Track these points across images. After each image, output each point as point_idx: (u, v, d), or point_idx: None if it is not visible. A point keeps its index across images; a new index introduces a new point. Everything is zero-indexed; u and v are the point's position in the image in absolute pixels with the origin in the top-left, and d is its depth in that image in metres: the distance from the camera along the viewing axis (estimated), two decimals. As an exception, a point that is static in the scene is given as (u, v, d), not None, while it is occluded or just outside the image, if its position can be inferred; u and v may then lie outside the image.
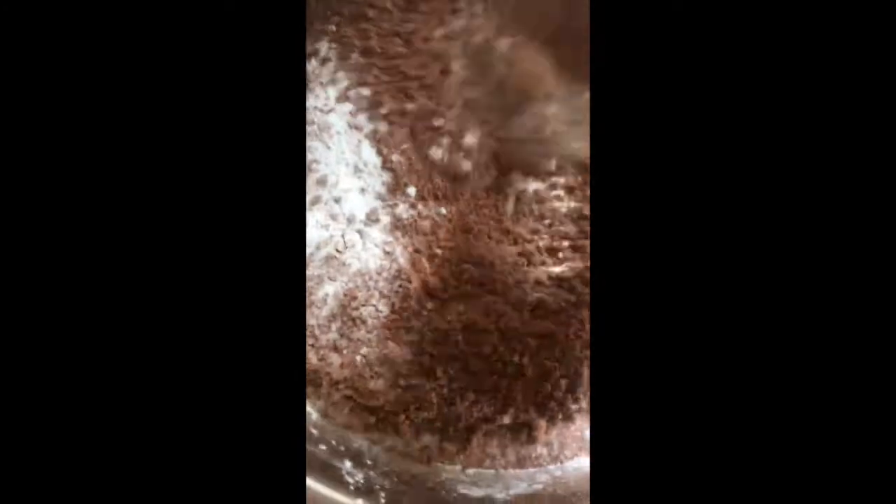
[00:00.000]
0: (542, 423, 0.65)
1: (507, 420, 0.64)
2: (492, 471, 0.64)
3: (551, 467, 0.65)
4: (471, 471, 0.64)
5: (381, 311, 0.66)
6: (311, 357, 0.65)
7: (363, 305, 0.66)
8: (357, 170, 0.71)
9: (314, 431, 0.62)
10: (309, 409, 0.63)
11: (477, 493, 0.61)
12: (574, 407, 0.65)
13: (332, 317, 0.66)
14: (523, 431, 0.65)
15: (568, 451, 0.66)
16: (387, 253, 0.68)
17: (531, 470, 0.64)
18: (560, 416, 0.65)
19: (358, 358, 0.65)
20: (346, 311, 0.66)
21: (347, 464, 0.60)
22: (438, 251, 0.68)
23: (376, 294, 0.66)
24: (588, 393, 0.65)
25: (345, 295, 0.66)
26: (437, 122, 0.72)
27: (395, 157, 0.71)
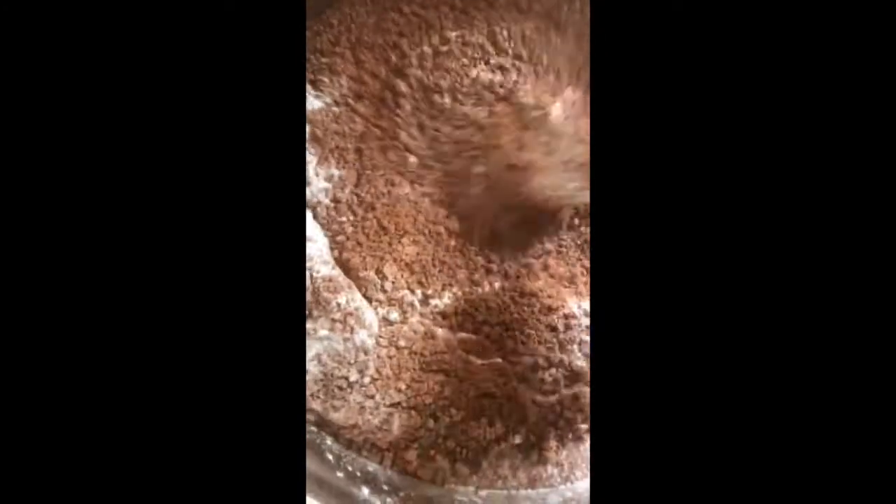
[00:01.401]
0: (553, 443, 0.66)
1: (518, 440, 0.65)
2: (504, 491, 0.65)
3: (562, 487, 0.66)
4: (483, 492, 0.65)
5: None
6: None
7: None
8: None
9: (329, 457, 0.63)
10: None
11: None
12: (584, 427, 0.66)
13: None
14: (534, 452, 0.66)
15: (578, 472, 0.67)
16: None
17: (542, 490, 0.66)
18: (570, 437, 0.66)
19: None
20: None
21: (365, 490, 0.61)
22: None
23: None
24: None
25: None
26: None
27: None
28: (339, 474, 0.62)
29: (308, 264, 0.67)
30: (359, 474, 0.63)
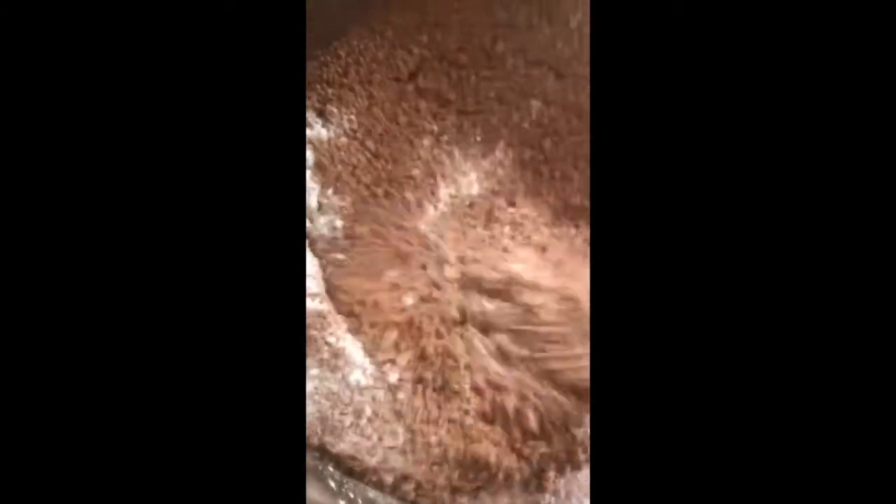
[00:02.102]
0: (551, 473, 0.67)
1: (518, 476, 0.66)
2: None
3: (559, 514, 0.67)
4: (482, 523, 0.65)
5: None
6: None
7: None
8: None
9: (332, 484, 0.63)
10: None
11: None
12: (583, 457, 0.67)
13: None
14: (532, 481, 0.67)
15: (575, 500, 0.68)
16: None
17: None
18: (568, 466, 0.67)
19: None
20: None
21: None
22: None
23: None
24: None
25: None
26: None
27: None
28: (342, 502, 0.61)
29: None
30: (360, 501, 0.63)
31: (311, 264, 0.69)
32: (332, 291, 0.68)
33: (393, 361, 0.66)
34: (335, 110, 0.73)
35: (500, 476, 0.65)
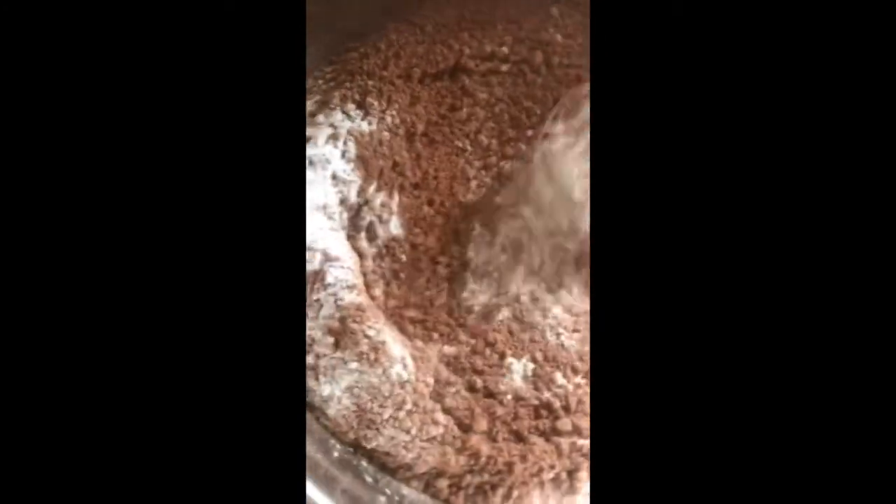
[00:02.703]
0: (585, 473, 0.66)
1: (551, 475, 0.65)
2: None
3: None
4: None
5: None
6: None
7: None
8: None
9: (368, 479, 0.62)
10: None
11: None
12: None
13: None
14: (566, 483, 0.66)
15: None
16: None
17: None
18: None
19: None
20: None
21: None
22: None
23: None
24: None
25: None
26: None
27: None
28: (382, 498, 0.60)
29: (332, 290, 0.66)
30: (397, 498, 0.62)
31: (349, 257, 0.68)
32: (370, 285, 0.68)
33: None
34: (375, 103, 0.73)
35: (533, 474, 0.65)
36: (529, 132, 0.73)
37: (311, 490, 0.55)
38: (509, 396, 0.66)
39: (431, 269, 0.70)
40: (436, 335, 0.68)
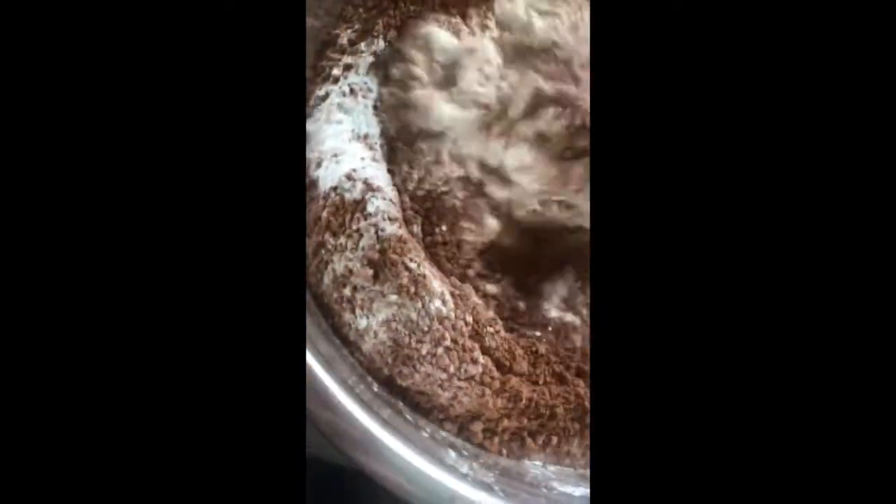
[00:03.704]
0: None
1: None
2: (572, 469, 0.63)
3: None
4: (553, 467, 0.63)
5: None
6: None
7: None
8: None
9: (409, 417, 0.60)
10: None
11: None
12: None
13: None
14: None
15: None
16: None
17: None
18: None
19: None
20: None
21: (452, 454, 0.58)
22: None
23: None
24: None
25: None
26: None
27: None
28: (424, 434, 0.58)
29: (373, 220, 0.63)
30: (437, 437, 0.60)
31: (390, 189, 0.66)
32: (409, 220, 0.65)
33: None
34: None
35: (574, 418, 0.63)
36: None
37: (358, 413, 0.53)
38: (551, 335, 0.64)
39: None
40: (471, 272, 0.65)
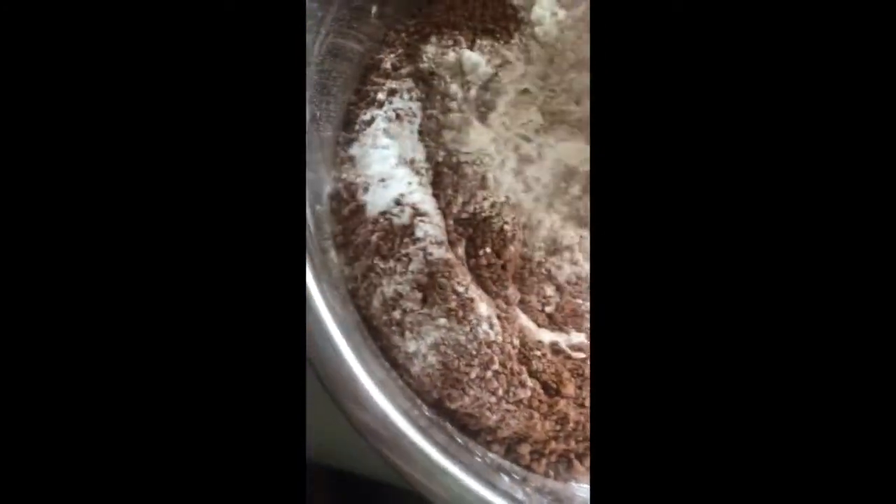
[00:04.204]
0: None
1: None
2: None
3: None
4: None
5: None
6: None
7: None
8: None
9: (459, 440, 0.60)
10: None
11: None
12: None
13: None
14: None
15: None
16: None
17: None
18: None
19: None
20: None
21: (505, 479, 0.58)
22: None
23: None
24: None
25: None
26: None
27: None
28: (478, 458, 0.59)
29: (421, 244, 0.64)
30: (487, 460, 0.60)
31: (436, 213, 0.66)
32: (454, 243, 0.66)
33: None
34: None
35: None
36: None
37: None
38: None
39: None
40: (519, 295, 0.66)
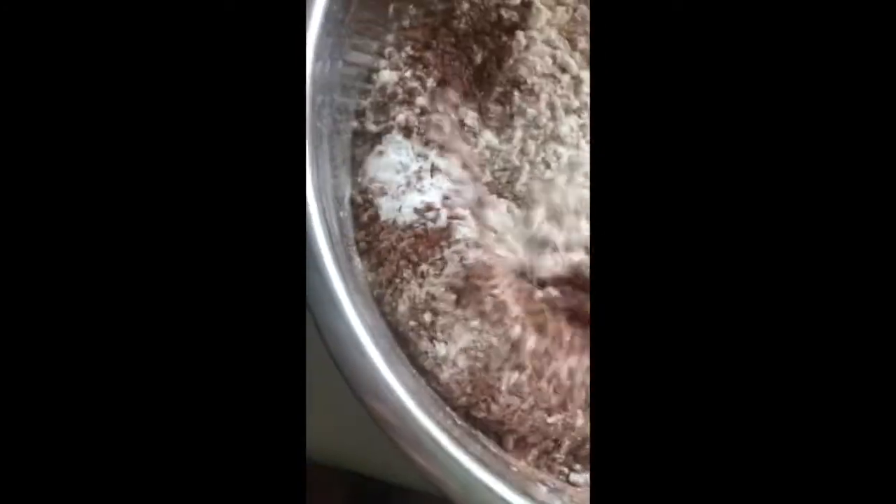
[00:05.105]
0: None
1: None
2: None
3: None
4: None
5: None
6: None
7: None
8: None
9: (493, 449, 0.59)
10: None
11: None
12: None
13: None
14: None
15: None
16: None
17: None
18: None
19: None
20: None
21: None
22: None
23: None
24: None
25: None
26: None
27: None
28: (514, 468, 0.57)
29: (457, 247, 0.63)
30: (521, 469, 0.58)
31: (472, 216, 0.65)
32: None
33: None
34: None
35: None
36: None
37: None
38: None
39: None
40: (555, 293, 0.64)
